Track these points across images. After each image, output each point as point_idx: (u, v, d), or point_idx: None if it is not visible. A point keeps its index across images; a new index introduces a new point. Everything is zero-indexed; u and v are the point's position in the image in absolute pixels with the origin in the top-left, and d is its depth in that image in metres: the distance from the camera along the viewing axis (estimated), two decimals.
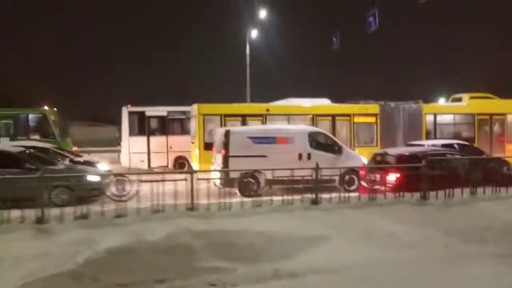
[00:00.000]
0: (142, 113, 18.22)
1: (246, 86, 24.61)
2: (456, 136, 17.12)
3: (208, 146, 14.75)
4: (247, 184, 11.07)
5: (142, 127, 18.28)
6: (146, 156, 17.69)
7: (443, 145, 12.99)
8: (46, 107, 17.83)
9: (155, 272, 5.36)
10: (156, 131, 18.34)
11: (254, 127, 13.48)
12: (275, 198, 7.73)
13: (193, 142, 15.94)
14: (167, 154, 17.91)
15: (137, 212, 6.68)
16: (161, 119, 18.41)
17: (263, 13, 22.48)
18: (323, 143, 12.45)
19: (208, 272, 5.44)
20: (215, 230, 6.28)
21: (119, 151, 18.84)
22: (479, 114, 17.74)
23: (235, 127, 12.89)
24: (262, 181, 11.20)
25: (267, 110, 15.94)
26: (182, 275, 5.31)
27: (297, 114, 16.09)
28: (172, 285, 5.07)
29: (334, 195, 7.79)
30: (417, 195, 8.02)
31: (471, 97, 18.32)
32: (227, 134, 11.58)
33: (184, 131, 18.38)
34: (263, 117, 15.78)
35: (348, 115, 16.50)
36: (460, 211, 7.58)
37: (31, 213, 6.35)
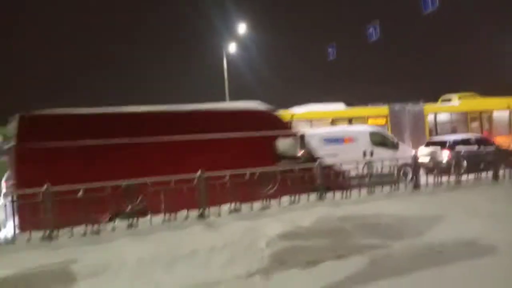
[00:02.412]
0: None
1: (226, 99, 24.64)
2: (454, 131, 18.69)
3: None
4: None
5: None
6: None
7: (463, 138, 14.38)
8: None
9: (326, 251, 5.80)
10: None
11: (324, 129, 14.31)
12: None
13: None
14: None
15: (278, 204, 7.10)
16: None
17: (242, 27, 22.91)
18: (382, 141, 13.50)
19: (368, 248, 5.97)
20: (354, 215, 6.80)
21: None
22: (470, 112, 19.49)
23: (309, 130, 13.54)
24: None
25: (292, 116, 16.65)
26: (347, 250, 5.79)
27: (318, 119, 16.96)
28: (346, 259, 5.51)
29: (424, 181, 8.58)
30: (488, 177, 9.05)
31: (460, 97, 20.07)
32: (302, 137, 12.10)
33: None
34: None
35: (363, 117, 17.58)
36: None
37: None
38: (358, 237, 6.24)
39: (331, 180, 7.70)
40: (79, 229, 5.86)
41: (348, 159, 10.74)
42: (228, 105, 8.77)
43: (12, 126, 6.67)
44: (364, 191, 7.86)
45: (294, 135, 8.69)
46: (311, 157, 8.39)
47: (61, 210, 5.67)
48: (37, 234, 5.67)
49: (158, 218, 6.30)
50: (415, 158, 8.20)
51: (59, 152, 6.70)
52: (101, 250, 5.39)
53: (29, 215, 5.76)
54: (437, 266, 5.08)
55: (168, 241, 5.66)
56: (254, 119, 8.28)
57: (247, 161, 7.11)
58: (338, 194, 7.61)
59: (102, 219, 6.10)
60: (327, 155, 11.63)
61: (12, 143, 6.59)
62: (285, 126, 8.76)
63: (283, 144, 8.22)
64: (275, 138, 8.20)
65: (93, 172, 6.60)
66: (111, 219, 6.33)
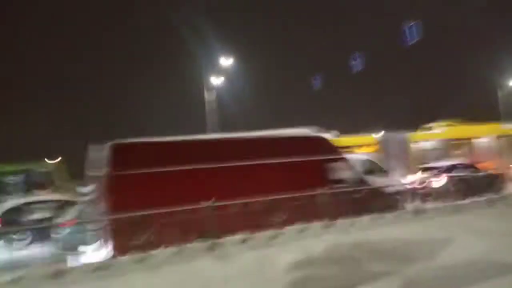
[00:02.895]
0: None
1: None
2: (438, 158, 19.12)
3: None
4: None
5: None
6: None
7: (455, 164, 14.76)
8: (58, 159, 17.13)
9: (340, 279, 5.77)
10: None
11: None
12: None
13: None
14: None
15: (287, 232, 7.07)
16: None
17: (227, 61, 23.34)
18: (372, 168, 13.82)
19: (381, 275, 5.93)
20: (362, 242, 6.82)
21: None
22: (454, 139, 20.07)
23: None
24: None
25: None
26: (361, 279, 5.76)
27: None
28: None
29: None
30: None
31: (444, 125, 20.71)
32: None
33: None
34: None
35: (354, 146, 17.87)
36: None
37: None
38: (369, 264, 6.23)
39: (380, 201, 8.28)
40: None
41: None
42: (284, 131, 9.20)
43: (103, 154, 7.11)
44: (367, 217, 7.88)
45: (344, 159, 9.26)
46: (360, 180, 8.94)
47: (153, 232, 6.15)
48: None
49: (168, 250, 6.16)
50: (413, 184, 8.32)
51: (146, 178, 7.16)
52: (112, 283, 5.23)
53: (122, 239, 6.18)
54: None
55: (182, 274, 5.53)
56: (308, 144, 8.92)
57: (303, 183, 7.76)
58: (346, 221, 7.62)
59: (189, 240, 6.33)
60: None
61: (103, 170, 6.99)
62: (336, 151, 9.31)
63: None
64: (327, 161, 8.77)
65: (176, 195, 6.93)
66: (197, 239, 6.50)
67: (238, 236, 6.77)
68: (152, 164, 7.30)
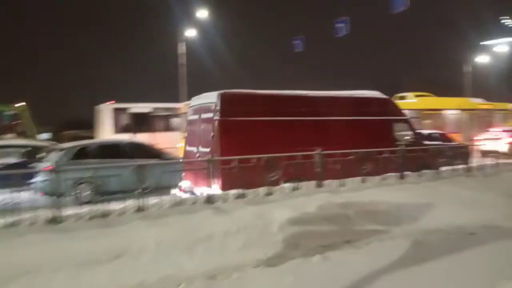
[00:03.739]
0: (127, 110, 17.74)
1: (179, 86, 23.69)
2: None
3: None
4: None
5: (127, 124, 17.76)
6: None
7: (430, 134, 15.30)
8: (23, 103, 16.23)
9: (332, 236, 5.96)
10: (141, 128, 17.95)
11: None
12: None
13: None
14: None
15: (280, 191, 7.15)
16: (146, 116, 18.10)
17: (202, 13, 22.26)
18: None
19: (371, 233, 6.22)
20: (352, 202, 7.02)
21: None
22: (426, 110, 20.68)
23: None
24: None
25: None
26: (352, 236, 6.00)
27: None
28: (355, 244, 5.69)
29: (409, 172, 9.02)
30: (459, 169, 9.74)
31: (416, 95, 21.23)
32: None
33: (169, 127, 18.37)
34: None
35: None
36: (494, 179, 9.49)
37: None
38: (360, 222, 6.48)
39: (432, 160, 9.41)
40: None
41: None
42: (358, 92, 9.95)
43: (212, 101, 7.92)
44: (357, 179, 8.09)
45: (408, 120, 10.23)
46: (419, 140, 9.91)
47: (248, 174, 6.97)
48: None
49: (166, 201, 6.11)
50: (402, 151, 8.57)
51: (248, 125, 7.96)
52: (114, 234, 5.14)
53: (228, 178, 7.14)
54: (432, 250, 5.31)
55: (183, 225, 5.51)
56: (378, 105, 9.75)
57: (376, 139, 8.84)
58: (334, 182, 7.78)
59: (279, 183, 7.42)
60: None
61: (213, 116, 7.83)
62: (401, 112, 10.27)
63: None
64: (393, 122, 9.69)
65: (269, 142, 7.90)
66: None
67: (233, 191, 6.81)
68: (252, 112, 8.08)
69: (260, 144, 7.68)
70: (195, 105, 8.99)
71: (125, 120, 17.69)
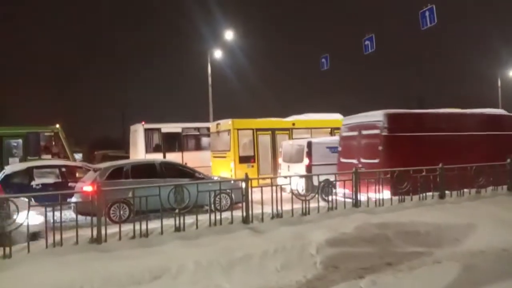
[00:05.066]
0: (158, 130, 18.13)
1: (209, 105, 23.56)
2: None
3: (243, 159, 15.26)
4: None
5: (158, 144, 18.14)
6: None
7: None
8: (57, 125, 16.81)
9: (372, 258, 5.81)
10: (172, 148, 18.26)
11: (329, 138, 14.60)
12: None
13: (223, 157, 16.14)
14: None
15: (318, 211, 7.09)
16: (176, 135, 18.43)
17: (229, 34, 22.56)
18: None
19: (413, 255, 6.00)
20: (390, 222, 6.87)
21: None
22: None
23: (315, 139, 13.80)
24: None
25: (293, 124, 16.80)
26: (393, 258, 5.79)
27: (318, 128, 17.13)
28: (394, 268, 5.44)
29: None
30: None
31: None
32: (309, 144, 12.79)
33: (199, 146, 18.63)
34: (290, 131, 16.62)
35: None
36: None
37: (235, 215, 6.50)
38: (400, 244, 6.29)
39: None
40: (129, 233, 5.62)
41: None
42: (486, 110, 11.48)
43: (378, 119, 9.53)
44: (395, 199, 7.92)
45: None
46: None
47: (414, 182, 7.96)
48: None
49: (203, 222, 6.14)
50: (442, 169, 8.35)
51: (409, 139, 9.40)
52: (154, 253, 5.19)
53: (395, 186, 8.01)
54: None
55: (220, 246, 5.51)
56: (505, 121, 11.14)
57: (497, 154, 9.42)
58: (372, 202, 7.65)
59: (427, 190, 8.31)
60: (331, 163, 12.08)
61: (380, 132, 9.43)
62: None
63: None
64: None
65: (426, 154, 9.14)
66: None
67: (268, 211, 6.78)
68: (411, 128, 9.59)
69: (418, 155, 9.02)
70: (350, 124, 10.60)
71: (156, 140, 18.00)
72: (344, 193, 7.57)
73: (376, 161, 9.37)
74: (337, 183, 7.88)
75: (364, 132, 9.96)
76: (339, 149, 11.03)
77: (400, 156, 9.02)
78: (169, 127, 18.41)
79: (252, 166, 15.81)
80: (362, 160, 9.86)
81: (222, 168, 16.15)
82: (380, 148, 9.38)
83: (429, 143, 9.57)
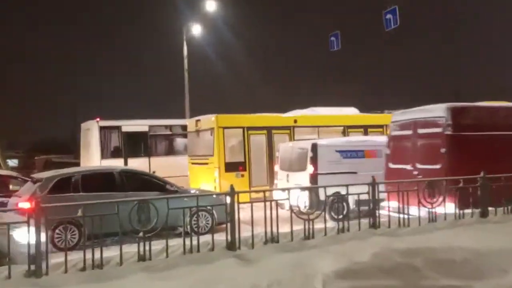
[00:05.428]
0: (118, 128, 18.11)
1: (185, 97, 23.88)
2: None
3: (230, 167, 15.28)
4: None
5: (117, 147, 18.14)
6: None
7: None
8: None
9: None
10: (136, 152, 18.27)
11: (342, 139, 14.80)
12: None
13: (205, 163, 16.19)
14: None
15: (324, 233, 7.19)
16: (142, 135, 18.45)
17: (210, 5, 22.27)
18: None
19: None
20: (418, 248, 6.96)
21: None
22: None
23: (322, 140, 13.86)
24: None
25: (295, 121, 16.90)
26: None
27: (328, 126, 17.25)
28: None
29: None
30: None
31: None
32: (314, 147, 12.75)
33: (172, 150, 18.67)
34: (291, 130, 16.71)
35: (381, 126, 17.98)
36: None
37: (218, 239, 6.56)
38: (429, 276, 6.38)
39: None
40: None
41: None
42: None
43: (439, 115, 9.74)
44: (423, 218, 8.03)
45: None
46: None
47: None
48: None
49: (176, 248, 6.19)
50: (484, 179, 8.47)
51: (477, 139, 9.62)
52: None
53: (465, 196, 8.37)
54: None
55: (197, 278, 5.56)
56: None
57: None
58: (394, 222, 7.75)
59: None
60: (344, 173, 12.32)
61: (442, 130, 9.62)
62: None
63: None
64: None
65: (497, 157, 9.52)
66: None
67: (261, 234, 6.85)
68: (480, 126, 9.79)
69: (487, 159, 9.24)
70: (403, 121, 10.87)
71: (115, 141, 18.02)
72: (399, 208, 7.75)
73: (437, 166, 9.62)
74: (384, 194, 8.08)
75: (421, 131, 10.20)
76: (387, 152, 11.35)
77: (469, 160, 9.23)
78: (132, 125, 18.41)
79: (242, 176, 15.86)
80: (419, 166, 10.12)
81: (203, 178, 16.17)
82: (443, 150, 9.56)
83: (505, 144, 9.82)
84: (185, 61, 22.88)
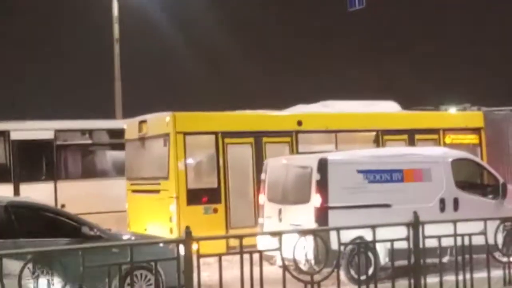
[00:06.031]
0: (3, 134, 17.98)
1: (114, 82, 25.27)
2: None
3: (195, 196, 15.32)
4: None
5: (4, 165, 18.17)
6: None
7: None
8: None
9: None
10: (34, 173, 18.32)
11: (366, 152, 14.74)
12: None
13: (154, 190, 16.10)
14: None
15: None
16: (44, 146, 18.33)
17: None
18: (474, 179, 14.14)
19: None
20: None
21: None
22: None
23: (336, 154, 13.99)
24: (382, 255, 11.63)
25: (299, 123, 16.62)
26: None
27: (350, 131, 17.02)
28: None
29: None
30: None
31: None
32: (323, 165, 12.45)
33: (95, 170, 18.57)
34: (292, 137, 16.42)
35: (436, 131, 17.72)
36: None
37: None
38: None
39: None
40: None
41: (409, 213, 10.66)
42: None
43: None
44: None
45: None
46: None
47: None
48: None
49: None
50: None
51: None
52: None
53: None
54: None
55: None
56: None
57: None
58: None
59: None
60: (371, 206, 12.58)
61: None
62: None
63: None
64: None
65: None
66: None
67: None
68: None
69: None
70: None
71: (0, 155, 17.89)
72: None
73: None
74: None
75: None
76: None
77: None
78: (28, 129, 17.96)
79: (215, 211, 15.72)
80: None
81: (152, 215, 16.12)
82: None
83: None
84: (115, 26, 22.68)
